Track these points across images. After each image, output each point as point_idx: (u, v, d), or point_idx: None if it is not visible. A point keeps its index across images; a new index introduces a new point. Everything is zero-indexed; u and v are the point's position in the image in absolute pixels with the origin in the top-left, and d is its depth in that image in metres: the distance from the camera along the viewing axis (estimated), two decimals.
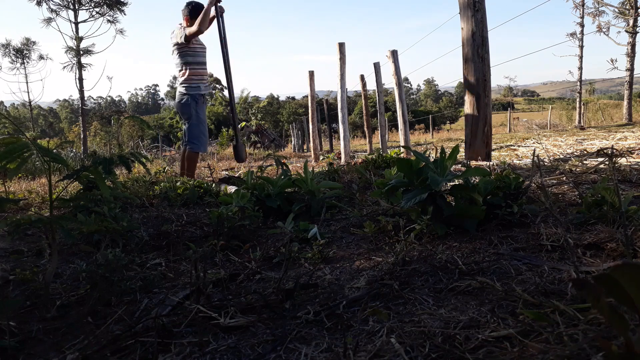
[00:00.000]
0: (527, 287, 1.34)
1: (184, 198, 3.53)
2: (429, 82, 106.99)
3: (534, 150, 2.30)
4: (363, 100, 10.50)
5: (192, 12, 4.63)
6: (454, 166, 3.09)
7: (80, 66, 14.96)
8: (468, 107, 4.88)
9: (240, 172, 6.48)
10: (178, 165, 6.29)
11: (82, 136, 15.57)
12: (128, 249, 2.16)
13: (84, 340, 1.23)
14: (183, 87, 4.68)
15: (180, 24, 4.69)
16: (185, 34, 4.50)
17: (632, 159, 3.85)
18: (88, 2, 15.45)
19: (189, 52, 4.64)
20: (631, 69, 16.00)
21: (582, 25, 16.61)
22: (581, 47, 16.71)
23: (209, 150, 5.57)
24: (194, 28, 4.46)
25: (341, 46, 7.08)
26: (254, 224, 2.46)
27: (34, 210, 3.37)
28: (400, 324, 1.20)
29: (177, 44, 4.63)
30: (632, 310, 0.61)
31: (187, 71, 4.65)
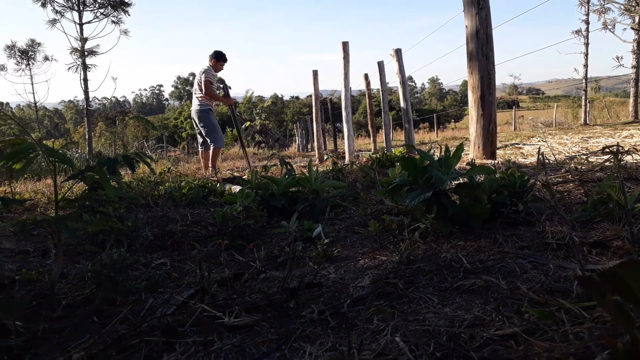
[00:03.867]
0: (532, 286, 1.34)
1: (188, 198, 3.54)
2: (434, 81, 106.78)
3: (539, 148, 2.29)
4: (367, 99, 10.48)
5: (217, 57, 6.59)
6: (458, 165, 3.08)
7: (85, 67, 15.04)
8: (473, 106, 4.86)
9: (245, 171, 6.50)
10: (183, 165, 7.91)
11: (87, 137, 15.65)
12: (133, 249, 2.17)
13: (90, 339, 1.23)
14: (199, 106, 6.51)
15: (208, 65, 6.55)
16: (206, 88, 6.42)
17: (638, 156, 3.82)
18: (92, 3, 15.52)
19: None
20: (637, 66, 15.89)
21: (587, 22, 16.50)
22: (586, 44, 16.60)
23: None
24: (210, 94, 6.49)
25: (345, 45, 7.06)
26: (259, 224, 2.46)
27: (40, 210, 3.39)
28: (404, 322, 1.19)
29: (199, 82, 6.50)
30: (638, 308, 0.60)
31: (207, 98, 6.49)
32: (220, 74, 6.72)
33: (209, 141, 6.51)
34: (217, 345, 1.17)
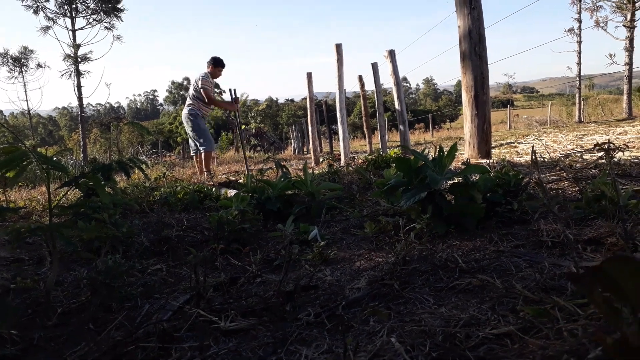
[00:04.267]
0: (527, 284, 1.34)
1: (184, 203, 3.54)
2: (428, 81, 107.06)
3: (533, 147, 2.31)
4: (362, 101, 10.49)
5: (215, 63, 6.56)
6: (453, 164, 3.09)
7: (79, 73, 15.00)
8: (467, 105, 4.88)
9: (241, 175, 6.49)
10: (178, 169, 8.13)
11: (81, 143, 15.61)
12: (128, 255, 2.16)
13: (85, 347, 1.23)
14: (188, 111, 6.49)
15: (205, 72, 6.52)
16: (204, 89, 6.38)
17: (633, 153, 3.84)
18: (85, 10, 15.50)
19: (200, 96, 6.55)
20: (630, 63, 15.98)
21: (579, 20, 16.60)
22: (579, 42, 16.70)
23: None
24: (213, 101, 6.60)
25: (338, 47, 7.07)
26: (254, 227, 2.46)
27: (35, 218, 3.37)
28: (400, 323, 1.20)
29: (195, 89, 6.48)
30: (626, 303, 0.61)
31: (197, 103, 6.49)
32: (218, 79, 6.72)
33: (199, 145, 6.51)
34: (213, 350, 1.16)
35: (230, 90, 6.72)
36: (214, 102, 6.69)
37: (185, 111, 6.55)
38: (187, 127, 6.55)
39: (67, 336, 1.34)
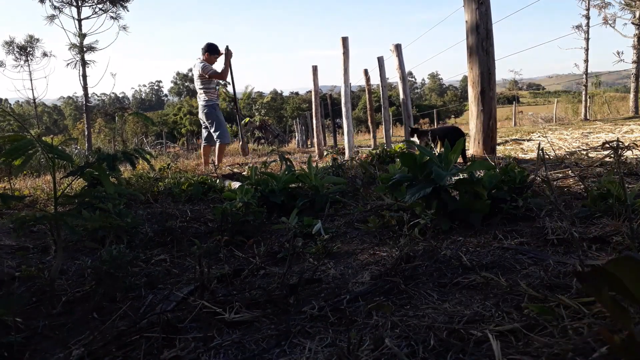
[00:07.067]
0: (531, 281, 1.33)
1: (188, 194, 3.54)
2: (434, 76, 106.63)
3: (539, 144, 2.29)
4: (367, 95, 10.45)
5: (210, 50, 6.52)
6: (458, 160, 3.07)
7: (84, 63, 14.97)
8: (473, 101, 4.85)
9: (245, 167, 6.49)
10: (182, 161, 8.03)
11: (86, 133, 15.63)
12: (133, 245, 2.17)
13: (90, 335, 1.23)
14: (205, 101, 6.50)
15: (199, 59, 6.50)
16: (211, 73, 6.40)
17: (638, 151, 3.82)
18: None
19: (207, 80, 6.54)
20: (637, 61, 15.88)
21: (587, 17, 16.48)
22: (587, 39, 16.58)
23: (214, 146, 6.52)
24: (220, 76, 6.52)
25: (345, 40, 7.03)
26: (258, 220, 2.46)
27: (39, 207, 3.38)
28: (404, 318, 1.19)
29: (200, 75, 6.43)
30: (632, 302, 0.60)
31: (208, 92, 6.52)
32: (214, 66, 6.67)
33: (215, 137, 6.55)
34: (217, 341, 1.17)
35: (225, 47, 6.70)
36: (225, 73, 6.62)
37: (202, 102, 6.55)
38: (205, 119, 6.57)
39: (71, 325, 1.35)
